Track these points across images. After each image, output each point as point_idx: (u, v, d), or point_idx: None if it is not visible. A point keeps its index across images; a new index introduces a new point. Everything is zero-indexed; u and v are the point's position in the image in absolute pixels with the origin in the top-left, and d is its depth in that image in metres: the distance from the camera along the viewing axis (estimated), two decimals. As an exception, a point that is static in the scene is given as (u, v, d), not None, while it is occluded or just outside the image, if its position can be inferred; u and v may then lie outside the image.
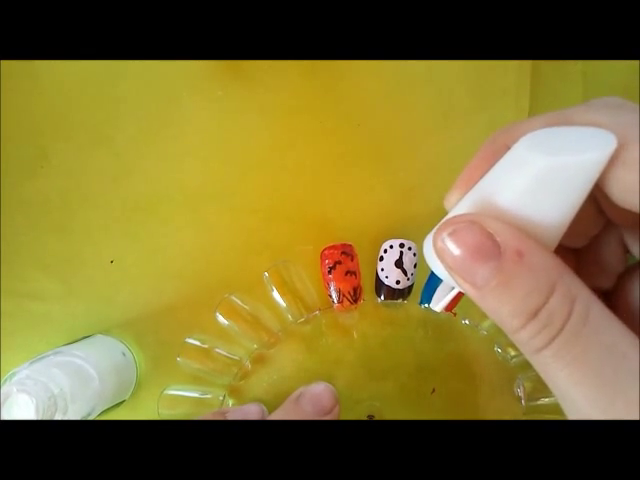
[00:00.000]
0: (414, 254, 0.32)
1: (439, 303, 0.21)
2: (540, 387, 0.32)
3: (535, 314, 0.15)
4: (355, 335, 0.34)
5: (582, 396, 0.14)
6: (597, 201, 0.18)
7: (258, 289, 0.33)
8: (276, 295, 0.33)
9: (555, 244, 0.16)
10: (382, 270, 0.32)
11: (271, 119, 0.35)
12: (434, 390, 0.33)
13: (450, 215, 0.18)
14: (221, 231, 0.35)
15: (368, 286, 0.34)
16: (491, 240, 0.15)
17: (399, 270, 0.32)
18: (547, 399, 0.32)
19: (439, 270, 0.18)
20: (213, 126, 0.35)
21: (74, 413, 0.27)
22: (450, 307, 0.32)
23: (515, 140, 0.16)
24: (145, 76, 0.35)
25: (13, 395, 0.25)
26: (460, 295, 0.31)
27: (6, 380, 0.26)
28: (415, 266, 0.32)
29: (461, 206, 0.18)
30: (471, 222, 0.16)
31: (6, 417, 0.25)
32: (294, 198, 0.35)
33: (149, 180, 0.35)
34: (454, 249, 0.16)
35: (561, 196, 0.15)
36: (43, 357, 0.29)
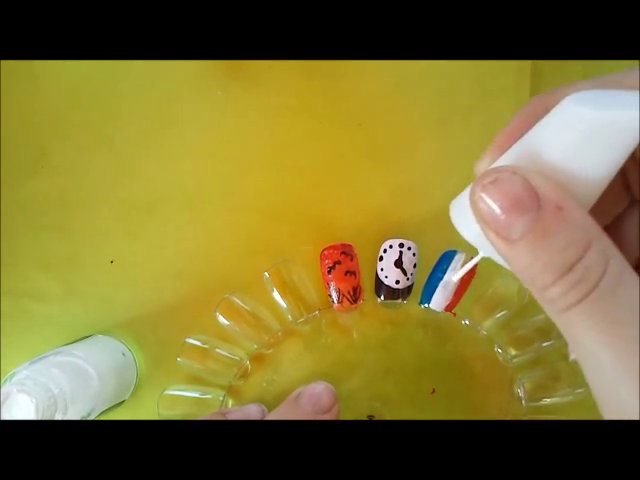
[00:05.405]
0: (414, 254, 0.32)
1: (455, 273, 0.21)
2: (541, 387, 0.32)
3: (570, 268, 0.14)
4: (355, 335, 0.34)
5: (611, 357, 0.14)
6: (626, 175, 0.18)
7: (258, 289, 0.33)
8: (276, 295, 0.33)
9: (590, 205, 0.16)
10: (382, 270, 0.32)
11: (271, 119, 0.35)
12: (434, 390, 0.33)
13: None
14: (221, 231, 0.35)
15: (368, 286, 0.34)
16: (532, 192, 0.15)
17: (399, 270, 0.32)
18: (548, 399, 0.32)
19: (467, 232, 0.18)
20: (213, 126, 0.35)
21: (74, 413, 0.27)
22: (450, 307, 0.32)
23: (557, 103, 0.16)
24: (145, 76, 0.35)
25: (13, 395, 0.25)
26: (460, 294, 0.31)
27: (6, 380, 0.26)
28: (415, 266, 0.32)
29: (501, 160, 0.17)
30: (513, 173, 0.15)
31: (6, 417, 0.25)
32: (294, 198, 0.35)
33: (149, 180, 0.35)
34: (492, 201, 0.15)
35: (605, 153, 0.15)
36: (43, 357, 0.29)
